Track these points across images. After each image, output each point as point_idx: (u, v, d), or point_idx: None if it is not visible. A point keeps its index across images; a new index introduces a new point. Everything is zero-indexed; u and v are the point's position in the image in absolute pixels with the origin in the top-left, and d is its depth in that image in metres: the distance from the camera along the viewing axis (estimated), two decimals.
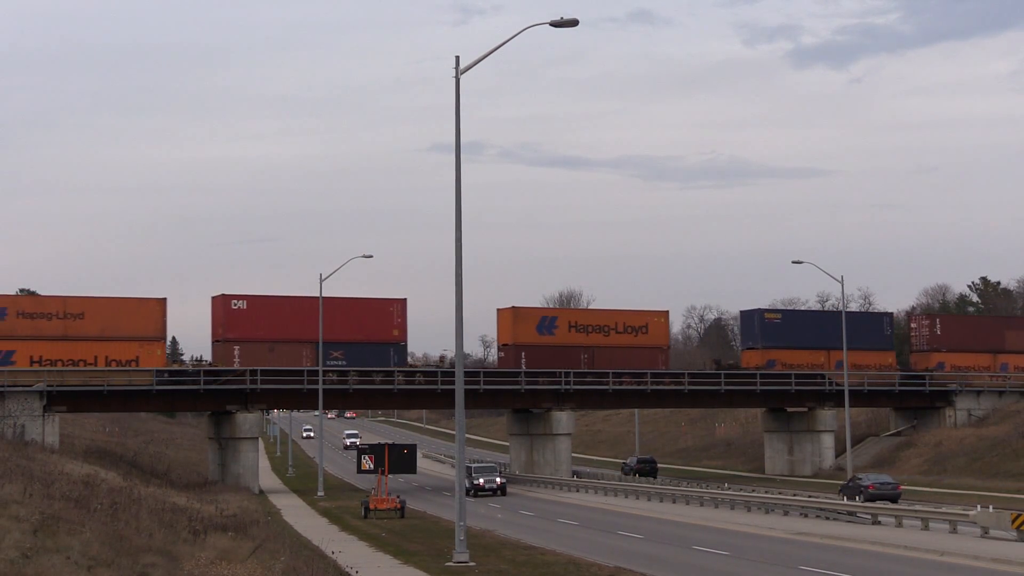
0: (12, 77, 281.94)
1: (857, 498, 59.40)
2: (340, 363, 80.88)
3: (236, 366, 78.28)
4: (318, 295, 76.13)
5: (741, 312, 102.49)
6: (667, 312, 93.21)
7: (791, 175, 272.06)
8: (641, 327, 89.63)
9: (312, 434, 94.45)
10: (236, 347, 79.00)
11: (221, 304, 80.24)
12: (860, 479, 63.33)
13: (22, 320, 74.68)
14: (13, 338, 73.60)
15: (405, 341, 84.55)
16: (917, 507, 51.77)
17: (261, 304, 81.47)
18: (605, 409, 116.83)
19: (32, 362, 74.10)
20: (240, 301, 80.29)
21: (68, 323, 75.67)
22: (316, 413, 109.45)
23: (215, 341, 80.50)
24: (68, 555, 24.28)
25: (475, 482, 74.95)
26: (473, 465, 79.23)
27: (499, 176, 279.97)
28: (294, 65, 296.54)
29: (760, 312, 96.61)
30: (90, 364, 75.23)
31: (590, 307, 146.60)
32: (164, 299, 78.50)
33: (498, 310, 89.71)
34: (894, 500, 59.79)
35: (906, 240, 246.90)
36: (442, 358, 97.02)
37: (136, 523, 32.87)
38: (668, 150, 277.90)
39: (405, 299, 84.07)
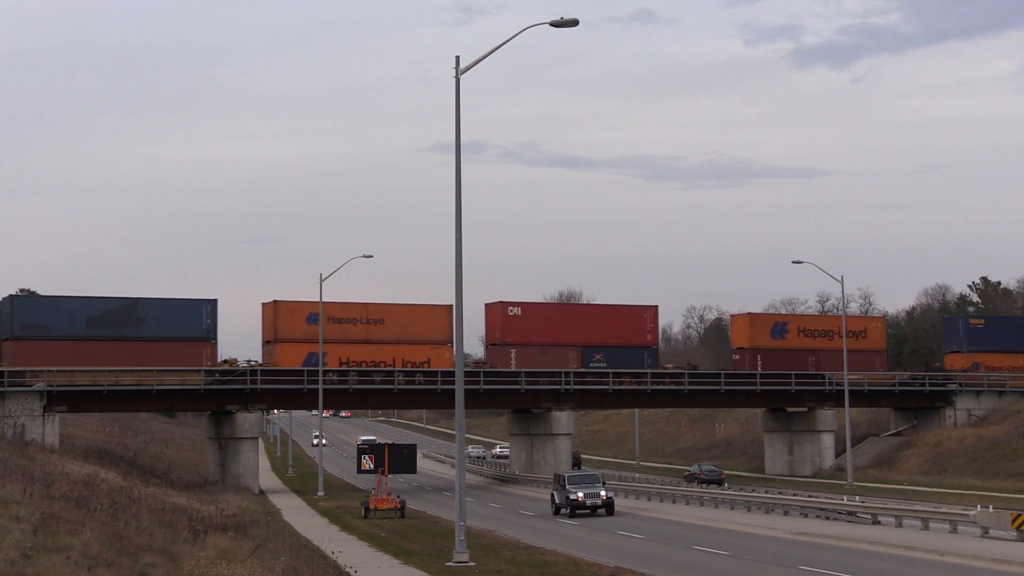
0: (12, 77, 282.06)
1: (694, 483, 75.78)
2: (601, 365, 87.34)
3: (512, 368, 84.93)
4: (583, 302, 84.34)
5: (945, 318, 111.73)
6: (883, 318, 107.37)
7: (792, 175, 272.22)
8: (860, 332, 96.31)
9: (325, 441, 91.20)
10: (512, 350, 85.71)
11: (499, 311, 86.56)
12: (693, 468, 74.16)
13: (332, 325, 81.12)
14: (324, 340, 78.24)
15: (657, 345, 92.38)
16: (917, 507, 51.73)
17: (534, 311, 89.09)
18: (605, 409, 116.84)
19: (340, 363, 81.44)
20: (516, 308, 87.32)
21: (370, 328, 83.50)
22: (314, 412, 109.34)
23: (491, 344, 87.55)
24: (68, 555, 24.27)
25: (571, 496, 56.38)
26: (567, 473, 62.25)
27: (500, 176, 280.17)
28: (295, 65, 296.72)
29: (965, 319, 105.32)
30: (388, 365, 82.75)
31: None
32: (450, 306, 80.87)
33: (732, 316, 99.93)
34: (720, 484, 73.96)
35: (906, 240, 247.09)
36: (690, 363, 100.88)
37: (136, 523, 32.88)
38: (670, 150, 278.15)
39: (656, 306, 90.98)
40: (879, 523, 49.25)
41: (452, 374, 63.67)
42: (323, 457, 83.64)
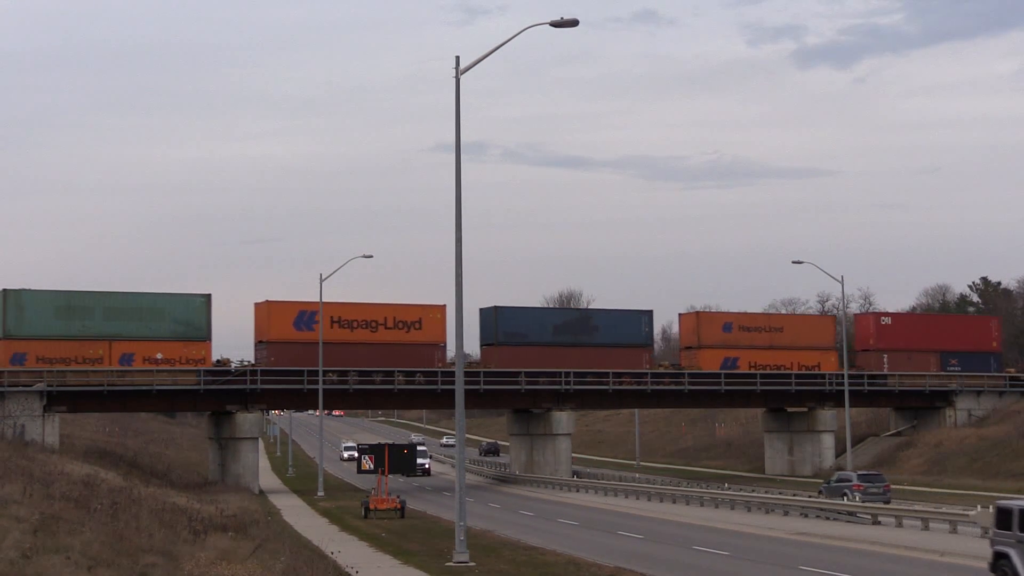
0: (13, 77, 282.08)
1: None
2: (956, 369, 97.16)
3: (884, 371, 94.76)
4: (940, 314, 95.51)
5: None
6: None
7: (794, 175, 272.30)
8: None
9: (354, 454, 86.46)
10: (884, 355, 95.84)
11: (872, 320, 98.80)
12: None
13: (742, 333, 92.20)
14: (737, 347, 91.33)
15: (1001, 351, 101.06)
16: (917, 507, 51.74)
17: (901, 320, 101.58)
18: (605, 409, 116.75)
19: (750, 366, 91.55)
20: (887, 318, 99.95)
21: (772, 335, 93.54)
22: (311, 412, 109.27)
23: (861, 351, 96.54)
24: (68, 555, 24.27)
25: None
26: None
27: (502, 176, 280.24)
28: (298, 65, 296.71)
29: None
30: (788, 369, 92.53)
31: (590, 306, 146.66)
32: (834, 316, 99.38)
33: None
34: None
35: (907, 240, 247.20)
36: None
37: (136, 523, 32.87)
38: (671, 150, 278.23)
39: (1000, 317, 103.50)
40: (879, 523, 49.26)
41: (452, 374, 63.64)
42: (323, 457, 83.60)
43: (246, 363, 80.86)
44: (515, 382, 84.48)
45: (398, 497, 58.19)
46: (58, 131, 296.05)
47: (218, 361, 79.87)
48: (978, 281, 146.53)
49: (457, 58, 37.28)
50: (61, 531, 27.34)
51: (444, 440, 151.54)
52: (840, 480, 62.10)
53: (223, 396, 78.36)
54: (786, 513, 55.35)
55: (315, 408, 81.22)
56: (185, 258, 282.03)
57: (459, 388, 37.42)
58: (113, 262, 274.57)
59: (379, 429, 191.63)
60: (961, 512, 46.78)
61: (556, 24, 35.80)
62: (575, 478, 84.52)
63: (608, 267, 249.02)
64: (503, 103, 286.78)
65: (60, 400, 73.47)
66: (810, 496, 61.27)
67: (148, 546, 28.91)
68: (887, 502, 57.29)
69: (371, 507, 56.58)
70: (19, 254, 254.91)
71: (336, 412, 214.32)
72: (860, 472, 64.78)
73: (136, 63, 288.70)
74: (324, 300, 77.36)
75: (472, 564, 35.72)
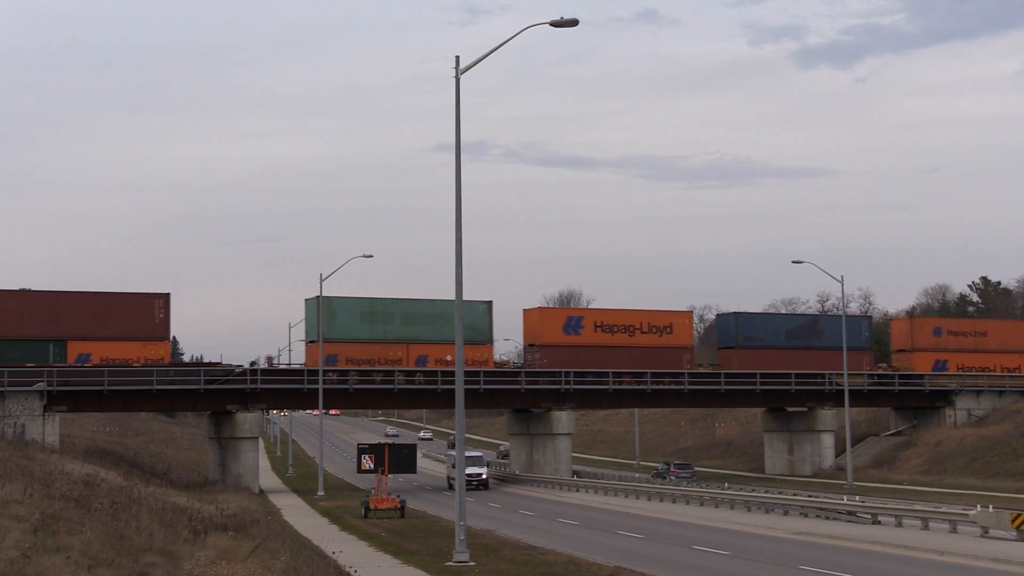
0: (13, 77, 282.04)
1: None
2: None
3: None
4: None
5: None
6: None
7: (795, 175, 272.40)
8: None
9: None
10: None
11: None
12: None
13: (950, 337, 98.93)
14: (945, 350, 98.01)
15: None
16: (917, 507, 51.73)
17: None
18: (605, 409, 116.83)
19: (957, 368, 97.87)
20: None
21: (977, 339, 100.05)
22: (308, 411, 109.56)
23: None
24: (68, 555, 24.25)
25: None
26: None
27: (503, 176, 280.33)
28: (300, 65, 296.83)
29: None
30: (992, 371, 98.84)
31: (589, 306, 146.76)
32: None
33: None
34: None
35: (906, 240, 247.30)
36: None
37: (136, 523, 32.87)
38: (673, 150, 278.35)
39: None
40: (879, 523, 49.25)
41: (452, 374, 63.68)
42: (323, 457, 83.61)
43: (447, 360, 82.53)
44: (515, 382, 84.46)
45: (398, 497, 58.19)
46: (58, 131, 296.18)
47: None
48: (978, 281, 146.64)
49: (457, 58, 37.34)
50: (61, 531, 27.33)
51: (421, 434, 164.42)
52: (664, 468, 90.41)
53: (223, 396, 78.35)
54: (786, 513, 55.34)
55: (315, 408, 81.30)
56: (185, 258, 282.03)
57: (459, 388, 37.42)
58: (113, 262, 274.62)
59: (378, 429, 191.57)
60: (961, 512, 46.77)
61: (556, 24, 35.82)
62: (575, 478, 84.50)
63: (608, 267, 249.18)
64: (504, 103, 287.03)
65: (60, 400, 73.43)
66: (810, 496, 61.31)
67: (148, 546, 28.91)
68: (693, 483, 77.78)
69: (371, 507, 56.58)
70: (19, 254, 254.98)
71: (332, 411, 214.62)
72: (675, 463, 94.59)
73: (136, 63, 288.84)
74: (589, 307, 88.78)
75: (472, 564, 35.72)
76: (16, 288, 76.30)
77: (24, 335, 73.78)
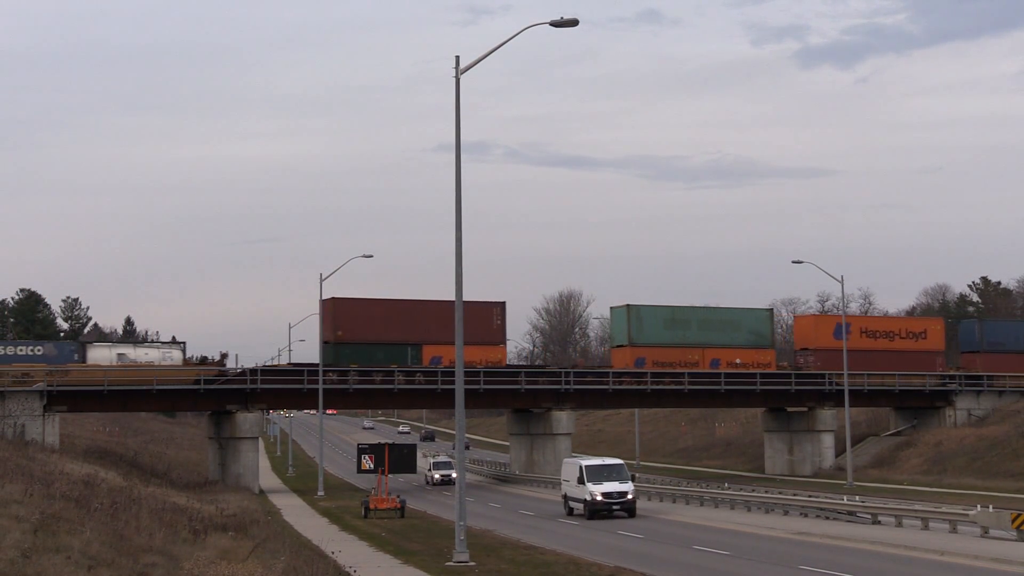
0: (14, 77, 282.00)
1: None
2: None
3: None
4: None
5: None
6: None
7: (796, 175, 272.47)
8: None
9: (451, 474, 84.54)
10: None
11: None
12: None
13: None
14: None
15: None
16: (917, 507, 51.70)
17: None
18: (605, 409, 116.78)
19: None
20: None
21: None
22: (309, 411, 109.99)
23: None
24: (68, 555, 24.26)
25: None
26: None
27: (505, 176, 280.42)
28: (300, 65, 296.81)
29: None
30: None
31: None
32: None
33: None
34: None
35: (906, 240, 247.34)
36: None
37: (136, 523, 32.87)
38: (674, 150, 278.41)
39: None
40: (879, 523, 49.22)
41: (452, 373, 63.70)
42: (323, 457, 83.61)
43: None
44: (515, 382, 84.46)
45: (398, 497, 58.20)
46: (57, 131, 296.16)
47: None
48: (978, 281, 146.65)
49: (457, 58, 37.36)
50: (61, 531, 27.33)
51: (400, 429, 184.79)
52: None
53: (223, 396, 78.34)
54: (786, 513, 55.32)
55: (315, 408, 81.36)
56: (185, 258, 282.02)
57: (459, 388, 37.42)
58: (113, 262, 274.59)
59: (384, 430, 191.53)
60: (961, 512, 46.74)
61: (556, 24, 35.82)
62: None
63: (609, 267, 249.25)
64: (506, 103, 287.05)
65: (60, 400, 73.42)
66: (810, 496, 61.28)
67: (148, 546, 28.91)
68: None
69: (371, 507, 56.59)
70: (19, 254, 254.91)
71: (329, 411, 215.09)
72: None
73: (136, 63, 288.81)
74: (856, 315, 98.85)
75: (472, 563, 35.72)
76: (378, 297, 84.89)
77: (389, 339, 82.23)
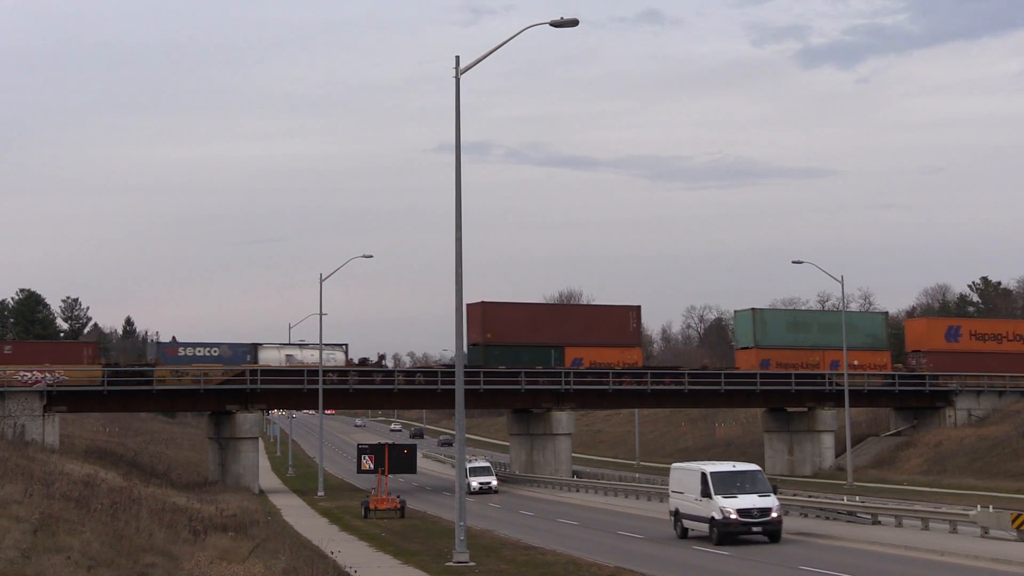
0: (14, 77, 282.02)
1: None
2: None
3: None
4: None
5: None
6: None
7: (797, 175, 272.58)
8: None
9: (491, 482, 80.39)
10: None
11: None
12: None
13: None
14: None
15: None
16: (917, 507, 51.70)
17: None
18: (605, 409, 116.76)
19: None
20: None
21: None
22: (310, 412, 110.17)
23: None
24: (68, 555, 24.25)
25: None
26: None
27: (505, 176, 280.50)
28: (300, 65, 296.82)
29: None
30: None
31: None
32: None
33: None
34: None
35: (907, 240, 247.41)
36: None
37: (136, 523, 32.86)
38: (675, 150, 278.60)
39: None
40: (879, 523, 49.21)
41: (452, 374, 63.72)
42: (323, 457, 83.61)
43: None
44: (515, 382, 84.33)
45: (398, 497, 58.20)
46: (57, 131, 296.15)
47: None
48: (978, 281, 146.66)
49: (457, 58, 37.35)
50: (61, 531, 27.32)
51: (392, 426, 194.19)
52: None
53: (223, 396, 78.36)
54: (786, 513, 55.20)
55: (315, 408, 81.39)
56: (185, 258, 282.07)
57: (459, 388, 37.40)
58: (113, 262, 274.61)
59: (377, 428, 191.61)
60: (961, 512, 46.74)
61: (556, 24, 35.81)
62: (575, 478, 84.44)
63: (609, 266, 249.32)
64: (507, 103, 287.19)
65: (60, 400, 73.42)
66: (810, 496, 61.26)
67: (148, 546, 28.89)
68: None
69: (371, 507, 56.59)
70: (19, 254, 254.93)
71: (328, 411, 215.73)
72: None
73: (136, 63, 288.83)
74: (966, 318, 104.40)
75: (472, 564, 35.71)
76: (522, 302, 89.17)
77: (534, 342, 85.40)
